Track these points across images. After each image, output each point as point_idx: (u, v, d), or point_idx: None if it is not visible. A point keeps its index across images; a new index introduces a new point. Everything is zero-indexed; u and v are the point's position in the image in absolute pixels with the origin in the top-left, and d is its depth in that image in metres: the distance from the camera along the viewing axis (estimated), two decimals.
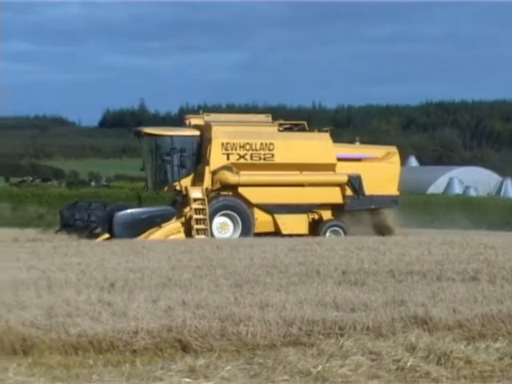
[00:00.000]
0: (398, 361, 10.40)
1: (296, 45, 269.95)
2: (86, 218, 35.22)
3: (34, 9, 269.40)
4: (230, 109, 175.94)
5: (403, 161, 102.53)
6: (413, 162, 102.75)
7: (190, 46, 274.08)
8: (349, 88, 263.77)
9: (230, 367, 10.15)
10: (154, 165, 36.40)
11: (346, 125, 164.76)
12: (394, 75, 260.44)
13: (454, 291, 15.63)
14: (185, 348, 11.77)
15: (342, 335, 11.96)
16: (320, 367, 9.99)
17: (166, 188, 36.21)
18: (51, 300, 14.62)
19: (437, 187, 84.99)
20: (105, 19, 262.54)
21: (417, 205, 56.86)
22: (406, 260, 21.60)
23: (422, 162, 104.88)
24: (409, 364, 10.28)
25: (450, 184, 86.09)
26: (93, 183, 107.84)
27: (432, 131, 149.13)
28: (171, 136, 35.72)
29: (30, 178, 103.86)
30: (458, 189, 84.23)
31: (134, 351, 11.66)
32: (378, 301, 14.36)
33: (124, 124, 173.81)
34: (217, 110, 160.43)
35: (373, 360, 10.41)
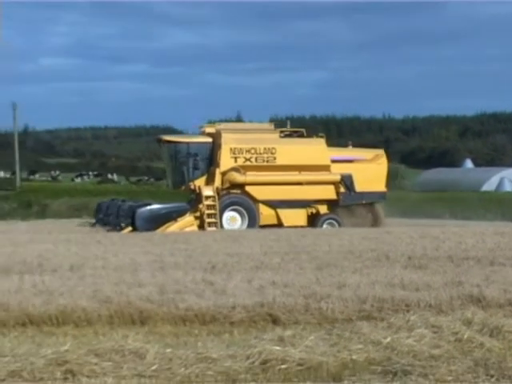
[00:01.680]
0: (456, 333, 10.29)
1: (368, 64, 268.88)
2: (115, 214, 35.55)
3: (153, 36, 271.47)
4: (313, 119, 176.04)
5: (461, 163, 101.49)
6: (469, 164, 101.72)
7: (279, 66, 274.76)
8: (414, 101, 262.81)
9: (312, 337, 10.13)
10: (172, 167, 36.46)
11: (411, 132, 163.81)
12: (453, 90, 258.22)
13: (505, 274, 15.47)
14: (275, 321, 11.78)
15: (408, 311, 11.87)
16: (389, 338, 9.93)
17: (183, 187, 36.09)
18: (163, 279, 14.75)
19: (489, 185, 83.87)
20: (209, 45, 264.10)
21: (472, 200, 56.27)
22: (463, 247, 21.37)
23: (476, 164, 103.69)
24: (465, 336, 10.17)
25: (501, 183, 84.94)
26: None
27: (485, 137, 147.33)
28: (187, 143, 35.75)
29: (146, 178, 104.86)
30: (508, 187, 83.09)
31: (232, 323, 11.70)
32: (438, 282, 14.24)
33: None
34: (301, 120, 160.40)
35: (434, 332, 10.31)
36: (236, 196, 34.83)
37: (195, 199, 35.16)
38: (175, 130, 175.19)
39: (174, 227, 33.39)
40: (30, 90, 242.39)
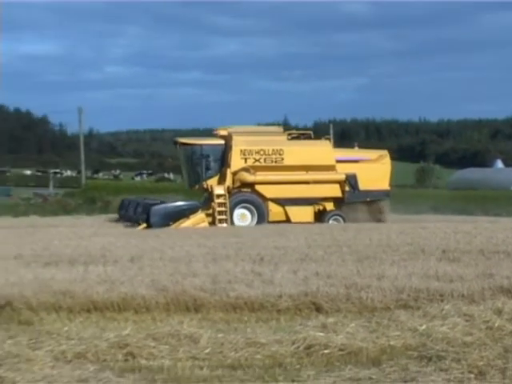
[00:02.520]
0: (488, 322, 10.21)
1: (405, 71, 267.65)
2: (133, 211, 35.54)
3: (206, 46, 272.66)
4: (354, 122, 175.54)
5: (492, 164, 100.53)
6: (499, 164, 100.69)
7: (323, 74, 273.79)
8: (449, 105, 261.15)
9: (353, 324, 10.10)
10: (188, 168, 36.24)
11: (446, 135, 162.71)
12: (485, 95, 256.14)
13: None
14: (318, 309, 11.75)
15: (442, 301, 11.79)
16: (425, 326, 9.88)
17: (197, 186, 35.84)
18: (215, 270, 14.78)
19: None
20: (258, 54, 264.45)
21: (502, 199, 55.80)
22: (494, 242, 21.14)
23: (506, 164, 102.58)
24: (496, 324, 10.08)
25: None
26: None
27: None
28: (201, 145, 35.48)
29: None
30: None
31: (279, 311, 11.69)
32: (471, 274, 14.11)
33: None
34: (343, 123, 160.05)
35: (467, 321, 10.24)
36: (246, 194, 34.59)
37: (208, 198, 35.12)
38: None
39: (186, 224, 33.13)
40: (94, 96, 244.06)
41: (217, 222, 33.61)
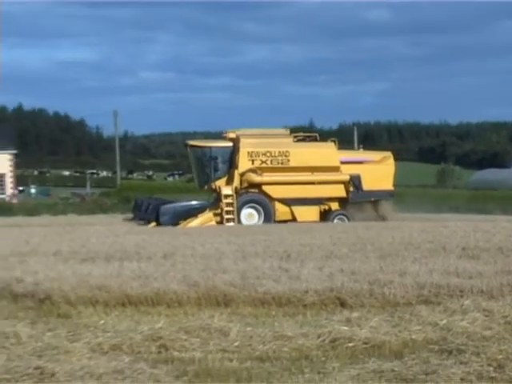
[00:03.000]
0: (506, 317, 10.14)
1: (426, 76, 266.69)
2: (145, 210, 35.48)
3: (236, 53, 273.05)
4: (377, 125, 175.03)
5: (510, 164, 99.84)
6: None
7: (347, 78, 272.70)
8: (468, 108, 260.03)
9: (376, 319, 10.07)
10: (198, 169, 36.26)
11: (465, 137, 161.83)
12: (502, 98, 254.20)
13: None
14: (343, 304, 11.72)
15: (462, 296, 11.72)
16: (445, 320, 9.83)
17: (206, 187, 35.79)
18: (244, 266, 14.78)
19: None
20: (285, 60, 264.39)
21: None
22: None
23: None
24: None
25: None
26: None
27: None
28: (210, 147, 35.49)
29: None
30: None
31: (305, 305, 11.67)
32: (490, 271, 14.02)
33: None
34: (366, 126, 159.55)
35: (486, 316, 10.17)
36: (253, 194, 34.53)
37: (216, 198, 35.04)
38: None
39: (194, 223, 33.20)
40: (129, 100, 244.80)
41: (224, 221, 33.59)
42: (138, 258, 16.90)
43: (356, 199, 35.50)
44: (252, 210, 34.29)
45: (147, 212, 35.13)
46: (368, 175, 35.47)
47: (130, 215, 38.81)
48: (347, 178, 35.24)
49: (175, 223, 32.90)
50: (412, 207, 44.37)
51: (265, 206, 34.32)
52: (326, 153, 35.43)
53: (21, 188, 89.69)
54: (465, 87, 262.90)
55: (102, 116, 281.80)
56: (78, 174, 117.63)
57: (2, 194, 75.74)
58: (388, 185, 36.31)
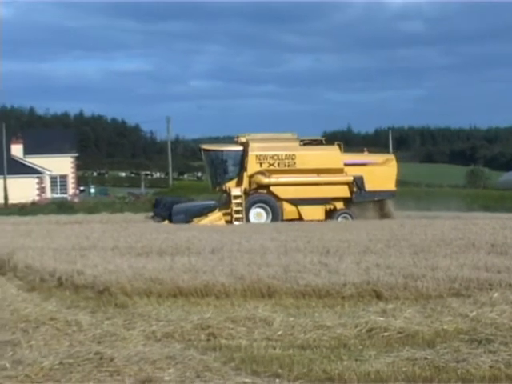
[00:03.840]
0: None
1: (457, 83, 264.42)
2: (161, 208, 35.37)
3: (279, 62, 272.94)
4: (411, 129, 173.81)
5: None
6: None
7: (383, 86, 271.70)
8: (496, 113, 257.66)
9: (410, 310, 10.00)
10: (211, 171, 36.18)
11: (494, 140, 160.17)
12: None
13: None
14: (378, 296, 11.65)
15: (491, 289, 11.59)
16: (475, 312, 9.73)
17: (218, 188, 35.66)
18: (287, 261, 14.77)
19: None
20: (325, 68, 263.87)
21: None
22: None
23: None
24: None
25: None
26: None
27: None
28: (221, 151, 35.44)
29: None
30: None
31: (343, 297, 11.63)
32: None
33: (336, 140, 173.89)
34: (401, 130, 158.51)
35: None
36: (261, 195, 34.45)
37: (227, 198, 34.90)
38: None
39: (204, 221, 33.22)
40: (180, 107, 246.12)
41: (233, 220, 33.55)
42: (189, 253, 16.97)
43: (359, 199, 35.30)
44: (260, 210, 34.26)
45: (163, 210, 35.19)
46: (371, 176, 35.21)
47: (150, 213, 38.92)
48: (351, 179, 35.06)
49: (187, 221, 32.88)
50: (444, 206, 44.02)
51: (272, 205, 34.26)
52: (330, 155, 35.31)
53: (81, 188, 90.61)
54: (494, 94, 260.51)
55: (156, 121, 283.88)
56: (133, 175, 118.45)
57: (65, 193, 76.56)
58: (390, 185, 36.02)
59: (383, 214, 35.52)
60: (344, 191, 35.13)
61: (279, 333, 9.00)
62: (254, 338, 8.86)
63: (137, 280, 12.51)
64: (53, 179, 77.49)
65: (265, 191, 34.55)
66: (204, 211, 34.06)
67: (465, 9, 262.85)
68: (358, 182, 35.15)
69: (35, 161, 73.55)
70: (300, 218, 34.25)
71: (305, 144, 36.20)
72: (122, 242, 20.20)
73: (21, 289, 13.18)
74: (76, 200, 70.47)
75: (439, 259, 14.79)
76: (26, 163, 72.92)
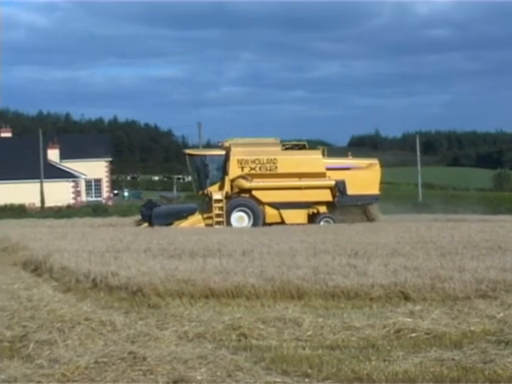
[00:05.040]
0: None
1: (483, 88, 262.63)
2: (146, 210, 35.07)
3: (308, 68, 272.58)
4: (438, 134, 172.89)
5: None
6: None
7: (410, 91, 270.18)
8: None
9: (437, 312, 9.95)
10: (194, 175, 36.02)
11: None
12: None
13: None
14: (406, 298, 11.59)
15: None
16: (501, 314, 9.66)
17: (201, 192, 35.34)
18: (316, 263, 14.74)
19: None
20: (353, 74, 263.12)
21: None
22: None
23: None
24: None
25: None
26: None
27: None
28: (204, 155, 35.19)
29: None
30: None
31: (371, 299, 11.58)
32: None
33: (364, 145, 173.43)
34: (428, 135, 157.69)
35: None
36: (243, 199, 34.14)
37: (207, 202, 34.71)
38: (326, 143, 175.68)
39: (184, 224, 32.96)
40: (212, 112, 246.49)
41: (214, 223, 33.37)
42: (220, 255, 16.98)
43: (342, 203, 34.81)
44: (242, 214, 33.94)
45: (146, 213, 35.11)
46: (354, 181, 34.74)
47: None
48: (333, 183, 34.62)
49: (168, 224, 32.73)
50: (470, 209, 43.69)
51: (254, 209, 33.95)
52: (312, 160, 34.94)
53: (115, 191, 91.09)
54: None
55: (188, 127, 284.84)
56: (165, 179, 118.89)
57: (99, 197, 77.03)
58: (374, 189, 35.49)
59: (368, 218, 35.10)
60: (326, 195, 34.73)
61: (309, 333, 8.99)
62: (283, 338, 8.85)
63: (169, 281, 12.54)
64: (88, 183, 78.01)
65: (247, 195, 34.30)
66: (184, 214, 33.95)
67: (491, 14, 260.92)
68: (339, 186, 34.69)
69: (71, 165, 74.08)
70: (282, 222, 33.87)
71: (287, 148, 35.95)
72: (155, 244, 20.28)
73: (57, 290, 13.28)
74: (110, 203, 70.87)
75: (466, 261, 14.67)
76: (62, 167, 73.45)
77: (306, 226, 31.88)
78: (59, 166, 73.57)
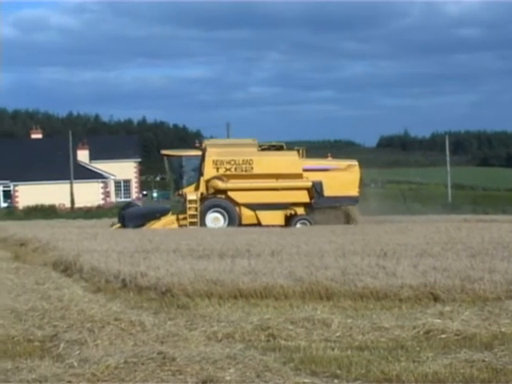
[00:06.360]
0: None
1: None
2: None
3: (336, 69, 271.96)
4: (467, 133, 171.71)
5: None
6: None
7: (439, 91, 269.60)
8: None
9: (467, 313, 9.87)
10: (171, 176, 35.86)
11: None
12: None
13: None
14: (436, 299, 11.52)
15: None
16: None
17: (177, 193, 35.14)
18: (344, 263, 14.69)
19: None
20: (381, 74, 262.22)
21: None
22: None
23: None
24: None
25: None
26: (372, 185, 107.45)
27: None
28: (180, 156, 34.99)
29: None
30: None
31: (401, 300, 11.52)
32: None
33: (393, 145, 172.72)
34: (457, 134, 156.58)
35: None
36: (218, 200, 33.93)
37: (182, 202, 34.51)
38: (354, 144, 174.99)
39: (157, 225, 32.80)
40: (240, 113, 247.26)
41: (188, 224, 33.22)
42: (249, 256, 16.98)
43: (320, 205, 34.43)
44: (217, 214, 33.74)
45: (119, 213, 35.01)
46: (332, 182, 34.33)
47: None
48: (309, 184, 34.30)
49: (140, 225, 32.54)
50: (500, 209, 43.36)
51: (229, 210, 33.73)
52: (288, 161, 34.66)
53: (144, 192, 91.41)
54: None
55: (216, 127, 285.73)
56: None
57: (128, 197, 77.41)
58: (353, 191, 35.11)
59: (347, 220, 34.72)
60: (303, 196, 34.45)
61: (337, 334, 8.96)
62: (312, 338, 8.83)
63: (198, 282, 12.56)
64: (117, 184, 78.48)
65: (223, 196, 34.15)
66: (157, 215, 33.86)
67: None
68: (316, 188, 34.37)
69: (100, 166, 74.55)
70: (258, 223, 33.67)
71: (263, 149, 35.78)
72: (184, 245, 20.33)
73: (87, 290, 13.36)
74: (139, 204, 71.25)
75: (496, 262, 14.54)
76: (92, 168, 73.93)
77: (334, 226, 31.76)
78: (89, 167, 74.07)
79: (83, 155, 74.94)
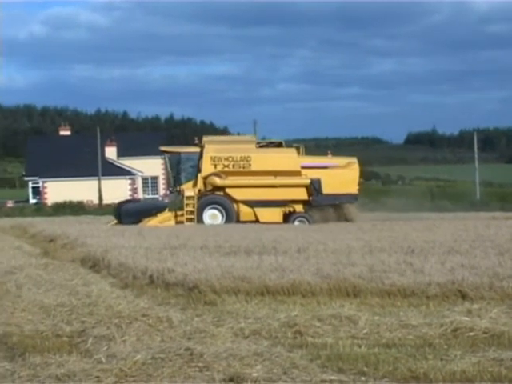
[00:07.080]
0: None
1: None
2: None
3: (364, 65, 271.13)
4: (495, 131, 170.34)
5: None
6: None
7: (467, 87, 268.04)
8: None
9: (496, 311, 9.80)
10: (170, 172, 35.70)
11: None
12: None
13: None
14: (463, 296, 11.44)
15: None
16: None
17: (176, 189, 35.00)
18: (372, 260, 14.65)
19: None
20: (410, 71, 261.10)
21: None
22: None
23: None
24: None
25: None
26: (400, 182, 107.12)
27: None
28: (179, 152, 34.93)
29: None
30: None
31: (428, 297, 11.46)
32: None
33: (421, 142, 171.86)
34: (486, 131, 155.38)
35: None
36: (215, 196, 33.79)
37: (180, 199, 34.41)
38: (381, 141, 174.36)
39: (153, 221, 32.68)
40: (267, 109, 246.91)
41: (185, 221, 33.11)
42: (275, 252, 16.98)
43: (318, 202, 34.24)
44: (215, 211, 33.63)
45: (116, 210, 34.96)
46: (332, 179, 34.12)
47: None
48: (308, 181, 34.08)
49: (136, 222, 32.46)
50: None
51: (226, 207, 33.60)
52: (286, 158, 34.51)
53: (171, 189, 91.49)
54: None
55: (243, 124, 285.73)
56: None
57: (156, 194, 77.70)
58: (352, 189, 34.87)
59: (345, 218, 34.49)
60: (302, 194, 34.26)
61: (365, 331, 8.94)
62: (339, 336, 8.81)
63: (225, 278, 12.58)
64: (144, 180, 78.75)
65: (221, 193, 34.05)
66: (153, 211, 33.82)
67: None
68: (315, 185, 34.15)
69: (128, 162, 74.88)
70: (257, 220, 33.50)
71: (261, 146, 35.63)
72: (211, 241, 20.37)
73: (114, 286, 13.43)
74: (166, 200, 71.46)
75: None
76: (119, 165, 74.30)
77: (361, 223, 31.67)
78: (117, 164, 74.44)
79: (111, 152, 75.32)
